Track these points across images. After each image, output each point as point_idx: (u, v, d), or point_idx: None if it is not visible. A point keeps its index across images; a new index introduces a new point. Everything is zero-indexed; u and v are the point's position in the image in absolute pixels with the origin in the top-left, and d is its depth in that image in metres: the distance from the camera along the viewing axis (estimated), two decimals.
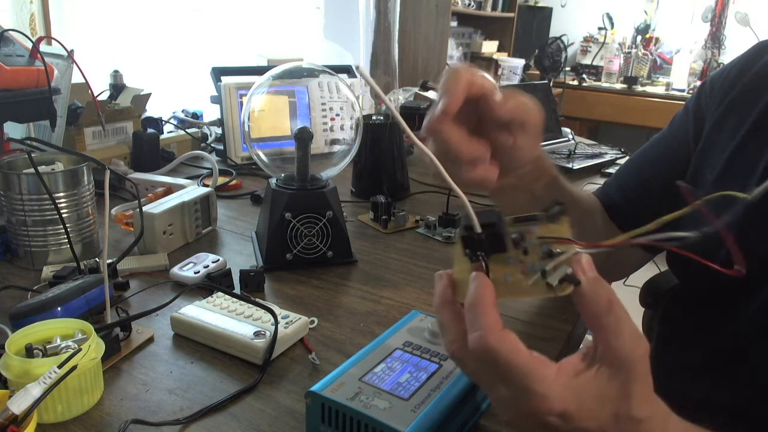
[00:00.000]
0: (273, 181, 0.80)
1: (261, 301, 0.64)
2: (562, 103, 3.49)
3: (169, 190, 0.95)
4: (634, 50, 3.93)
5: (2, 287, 0.69)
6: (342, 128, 1.07)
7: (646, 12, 4.00)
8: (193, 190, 0.89)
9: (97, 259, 0.74)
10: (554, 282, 0.36)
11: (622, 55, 3.86)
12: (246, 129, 0.81)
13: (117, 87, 1.29)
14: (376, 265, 0.82)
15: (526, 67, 3.41)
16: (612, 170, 1.41)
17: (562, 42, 3.26)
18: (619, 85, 3.75)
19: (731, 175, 0.61)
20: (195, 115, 1.51)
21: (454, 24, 3.28)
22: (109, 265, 0.69)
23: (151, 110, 1.37)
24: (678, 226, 0.35)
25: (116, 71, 1.30)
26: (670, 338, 0.71)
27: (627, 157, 1.40)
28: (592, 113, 3.69)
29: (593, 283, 0.35)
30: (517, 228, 0.40)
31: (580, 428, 0.35)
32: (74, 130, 1.11)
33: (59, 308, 0.58)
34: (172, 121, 1.44)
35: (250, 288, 0.72)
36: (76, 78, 1.00)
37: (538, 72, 3.42)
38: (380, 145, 1.08)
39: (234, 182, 1.14)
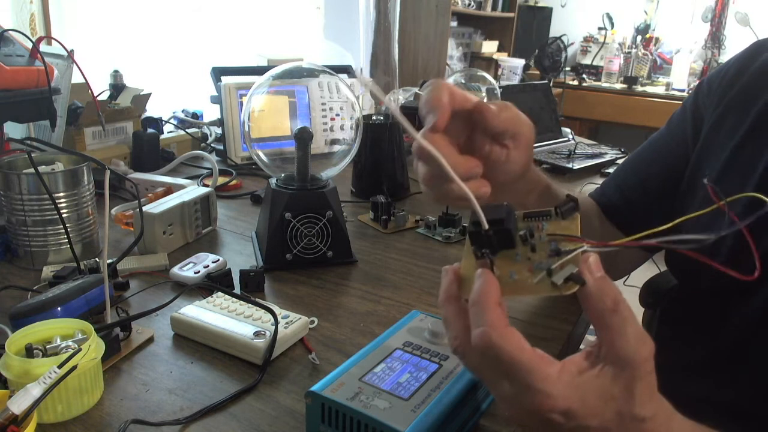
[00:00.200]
0: (273, 181, 0.80)
1: (261, 301, 0.64)
2: (562, 103, 3.49)
3: (169, 190, 0.95)
4: (634, 50, 3.93)
5: (2, 287, 0.69)
6: (342, 128, 1.07)
7: (646, 12, 4.00)
8: (193, 190, 0.89)
9: (97, 259, 0.74)
10: (559, 281, 0.35)
11: (622, 55, 3.86)
12: (246, 129, 0.81)
13: (117, 87, 1.29)
14: (376, 265, 0.82)
15: (526, 67, 3.41)
16: (612, 170, 1.41)
17: (562, 42, 3.26)
18: (619, 85, 3.75)
19: (731, 175, 0.61)
20: (195, 115, 1.51)
21: (454, 24, 3.28)
22: (109, 265, 0.69)
23: (151, 110, 1.37)
24: (681, 228, 0.35)
25: (116, 71, 1.30)
26: (669, 338, 0.71)
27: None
28: (592, 113, 3.69)
29: (600, 282, 0.35)
30: (527, 224, 0.40)
31: (583, 426, 0.35)
32: (74, 130, 1.11)
33: (59, 308, 0.58)
34: (172, 121, 1.44)
35: (250, 288, 0.72)
36: (76, 78, 1.00)
37: (538, 72, 3.42)
38: (380, 145, 1.08)
39: (234, 182, 1.14)
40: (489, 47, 3.64)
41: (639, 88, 3.66)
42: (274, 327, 0.59)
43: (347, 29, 2.51)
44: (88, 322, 0.53)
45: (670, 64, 3.84)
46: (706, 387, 0.61)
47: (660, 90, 3.64)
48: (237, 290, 0.73)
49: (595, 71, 3.94)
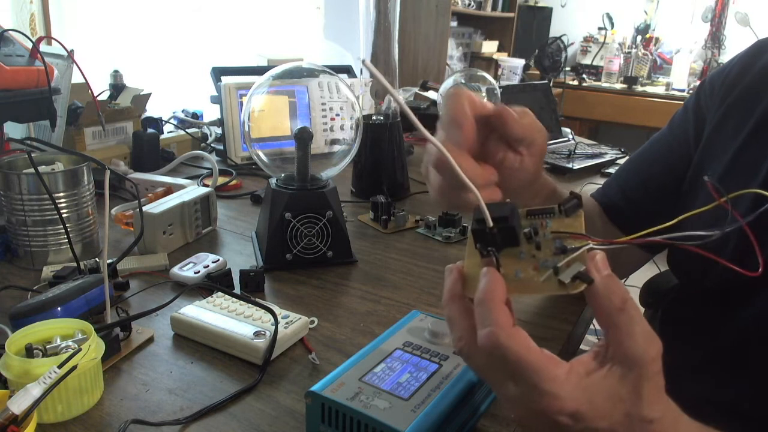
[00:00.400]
0: (273, 181, 0.80)
1: (261, 301, 0.64)
2: (562, 103, 3.49)
3: (169, 190, 0.95)
4: (634, 50, 3.93)
5: (2, 287, 0.69)
6: (342, 128, 1.07)
7: (646, 12, 4.00)
8: (193, 190, 0.89)
9: (97, 259, 0.74)
10: (567, 279, 0.35)
11: (622, 55, 3.86)
12: (246, 129, 0.81)
13: (117, 87, 1.29)
14: (376, 265, 0.82)
15: (526, 67, 3.41)
16: (612, 170, 1.41)
17: (562, 42, 3.26)
18: (619, 85, 3.75)
19: (734, 176, 0.61)
20: (195, 115, 1.51)
21: (454, 24, 3.27)
22: (109, 265, 0.69)
23: (151, 110, 1.37)
24: (683, 227, 0.35)
25: (116, 71, 1.30)
26: (670, 338, 0.71)
27: (627, 157, 1.40)
28: (592, 113, 3.69)
29: (607, 281, 0.35)
30: (531, 221, 0.40)
31: (591, 428, 0.35)
32: (74, 130, 1.11)
33: (59, 308, 0.58)
34: (172, 121, 1.44)
35: (250, 288, 0.72)
36: (76, 78, 1.00)
37: (538, 72, 3.42)
38: (380, 145, 1.08)
39: (234, 182, 1.14)
40: (489, 47, 3.64)
41: (639, 88, 3.66)
42: (274, 327, 0.59)
43: (347, 29, 2.51)
44: (88, 322, 0.53)
45: (670, 64, 3.84)
46: (707, 387, 0.61)
47: (660, 90, 3.64)
48: (237, 290, 0.73)
49: (595, 71, 3.94)
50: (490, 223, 0.38)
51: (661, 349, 0.35)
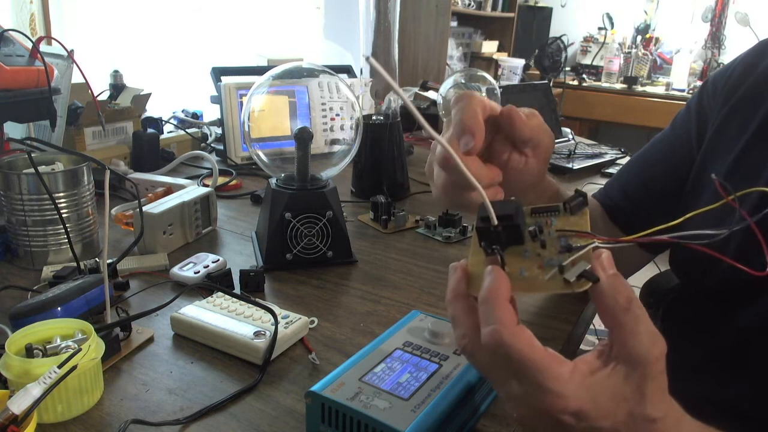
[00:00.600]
0: (273, 181, 0.80)
1: (261, 301, 0.64)
2: (562, 103, 3.49)
3: (169, 190, 0.95)
4: (634, 50, 3.93)
5: (2, 287, 0.69)
6: (342, 128, 1.07)
7: (646, 12, 4.00)
8: (193, 190, 0.89)
9: (97, 259, 0.74)
10: (572, 278, 0.35)
11: (622, 55, 3.86)
12: (246, 129, 0.81)
13: (117, 87, 1.29)
14: (376, 265, 0.82)
15: (526, 67, 3.41)
16: (612, 170, 1.41)
17: (562, 42, 3.26)
18: (619, 85, 3.75)
19: (737, 177, 0.60)
20: (195, 115, 1.51)
21: (454, 24, 3.27)
22: (109, 265, 0.69)
23: (151, 110, 1.37)
24: (687, 226, 0.35)
25: (116, 71, 1.30)
26: (670, 337, 0.71)
27: (627, 157, 1.40)
28: (592, 113, 3.69)
29: (612, 280, 0.35)
30: (536, 220, 0.40)
31: (594, 427, 0.34)
32: (74, 130, 1.11)
33: (59, 308, 0.58)
34: (172, 121, 1.44)
35: (250, 288, 0.72)
36: (76, 78, 1.00)
37: (538, 72, 3.42)
38: (380, 145, 1.08)
39: (234, 182, 1.14)
40: (489, 47, 3.64)
41: (639, 88, 3.66)
42: (274, 327, 0.59)
43: (347, 29, 2.51)
44: (88, 322, 0.53)
45: (670, 64, 3.84)
46: (707, 387, 0.61)
47: (660, 90, 3.64)
48: (237, 290, 0.72)
49: (595, 71, 3.94)
50: (495, 221, 0.37)
51: (665, 348, 0.35)
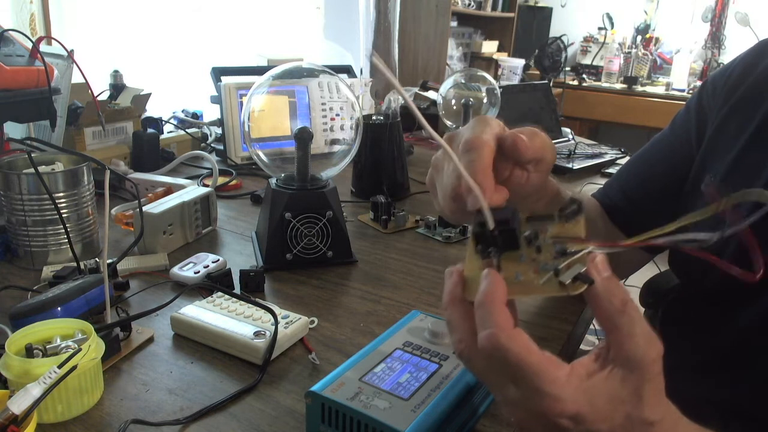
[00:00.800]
0: (273, 181, 0.80)
1: (261, 301, 0.64)
2: (562, 103, 3.49)
3: (169, 190, 0.95)
4: (634, 50, 3.93)
5: (2, 287, 0.69)
6: (342, 128, 1.07)
7: (646, 12, 4.00)
8: (193, 190, 0.89)
9: (97, 259, 0.74)
10: (567, 280, 0.35)
11: (622, 55, 3.86)
12: (246, 129, 0.81)
13: (117, 87, 1.29)
14: (376, 265, 0.82)
15: (526, 67, 3.41)
16: (612, 170, 1.41)
17: (562, 42, 3.26)
18: (619, 85, 3.75)
19: (736, 177, 0.60)
20: (195, 115, 1.51)
21: (454, 24, 3.27)
22: (109, 265, 0.69)
23: (151, 110, 1.37)
24: (686, 227, 0.35)
25: (116, 71, 1.30)
26: (670, 338, 0.71)
27: (627, 157, 1.40)
28: (592, 113, 3.69)
29: (608, 282, 0.35)
30: (531, 226, 0.40)
31: (592, 431, 0.34)
32: (74, 130, 1.11)
33: (59, 308, 0.58)
34: (172, 121, 1.44)
35: (250, 288, 0.72)
36: (76, 78, 1.00)
37: (538, 72, 3.42)
38: (380, 145, 1.08)
39: (234, 182, 1.14)
40: (489, 47, 3.64)
41: (639, 88, 3.66)
42: (274, 327, 0.59)
43: (347, 29, 2.51)
44: (88, 322, 0.53)
45: (670, 64, 3.84)
46: (707, 387, 0.61)
47: (660, 90, 3.64)
48: (237, 290, 0.72)
49: (595, 71, 3.94)
50: (492, 225, 0.38)
51: (662, 350, 0.35)
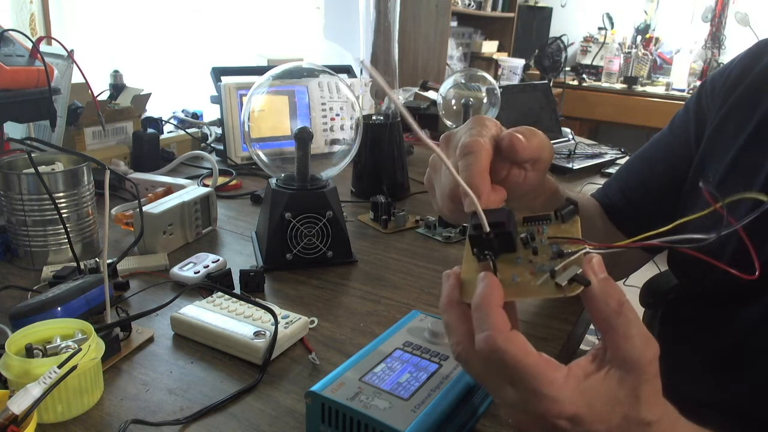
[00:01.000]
0: (273, 181, 0.80)
1: (261, 301, 0.64)
2: (562, 103, 3.49)
3: (169, 190, 0.95)
4: (634, 50, 3.93)
5: (2, 287, 0.69)
6: (342, 128, 1.07)
7: (646, 12, 4.00)
8: (193, 190, 0.89)
9: (97, 259, 0.74)
10: (563, 282, 0.35)
11: (622, 55, 3.86)
12: (246, 129, 0.81)
13: (117, 87, 1.29)
14: (376, 265, 0.82)
15: (526, 67, 3.42)
16: (612, 170, 1.41)
17: (562, 42, 3.26)
18: (619, 85, 3.75)
19: (734, 177, 0.60)
20: (195, 115, 1.51)
21: (454, 24, 3.28)
22: (109, 265, 0.69)
23: (151, 110, 1.37)
24: (683, 229, 0.35)
25: (116, 71, 1.30)
26: (670, 338, 0.71)
27: (627, 157, 1.40)
28: (592, 113, 3.69)
29: (604, 284, 0.35)
30: (527, 228, 0.40)
31: (590, 431, 0.35)
32: (74, 130, 1.11)
33: (59, 308, 0.57)
34: (172, 121, 1.44)
35: (250, 288, 0.72)
36: (76, 78, 1.00)
37: (538, 72, 3.42)
38: (380, 145, 1.08)
39: (234, 182, 1.14)
40: (489, 47, 3.64)
41: (639, 88, 3.66)
42: (274, 327, 0.59)
43: (347, 29, 2.51)
44: (88, 322, 0.53)
45: (670, 64, 3.85)
46: (706, 387, 0.61)
47: (660, 90, 3.64)
48: (237, 290, 0.72)
49: (595, 71, 3.95)
50: (487, 228, 0.38)
51: (658, 351, 0.35)
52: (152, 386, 0.54)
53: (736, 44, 3.67)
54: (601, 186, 0.81)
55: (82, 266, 0.70)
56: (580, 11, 4.18)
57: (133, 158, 1.19)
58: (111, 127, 1.19)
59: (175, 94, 1.70)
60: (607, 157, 1.48)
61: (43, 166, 0.76)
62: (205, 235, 0.89)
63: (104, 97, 1.27)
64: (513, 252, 0.39)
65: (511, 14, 3.73)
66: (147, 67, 1.65)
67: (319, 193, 0.78)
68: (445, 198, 0.47)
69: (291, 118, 1.02)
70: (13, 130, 1.01)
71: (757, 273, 0.33)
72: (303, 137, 0.76)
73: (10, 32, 0.86)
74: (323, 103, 1.17)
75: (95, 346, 0.51)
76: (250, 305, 0.63)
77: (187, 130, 1.39)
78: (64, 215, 0.74)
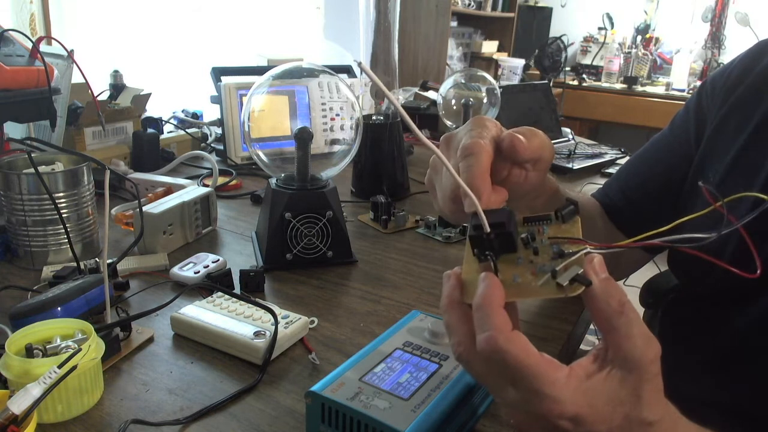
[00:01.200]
0: (273, 181, 0.80)
1: (261, 301, 0.64)
2: (562, 103, 3.49)
3: (169, 190, 0.95)
4: (634, 50, 3.93)
5: (2, 287, 0.69)
6: (342, 128, 1.07)
7: (646, 12, 4.00)
8: (193, 190, 0.89)
9: (97, 259, 0.74)
10: (564, 282, 0.35)
11: (622, 55, 3.86)
12: (246, 129, 0.81)
13: (117, 87, 1.29)
14: (376, 265, 0.82)
15: (526, 67, 3.42)
16: (612, 170, 1.41)
17: (562, 42, 3.26)
18: (619, 85, 3.75)
19: (734, 177, 0.60)
20: (195, 115, 1.51)
21: (454, 24, 3.28)
22: (109, 265, 0.69)
23: (151, 110, 1.37)
24: (684, 229, 0.35)
25: (116, 71, 1.30)
26: (670, 338, 0.71)
27: (627, 157, 1.40)
28: (592, 113, 3.69)
29: (605, 284, 0.35)
30: (528, 228, 0.40)
31: None
32: (74, 130, 1.11)
33: (59, 308, 0.57)
34: (172, 121, 1.44)
35: (250, 288, 0.72)
36: (76, 78, 1.00)
37: (538, 72, 3.42)
38: (380, 145, 1.08)
39: (234, 182, 1.14)
40: (489, 47, 3.64)
41: (639, 88, 3.66)
42: (274, 327, 0.59)
43: (347, 29, 2.51)
44: (88, 322, 0.53)
45: (670, 64, 3.85)
46: (707, 387, 0.61)
47: (660, 90, 3.64)
48: (237, 290, 0.72)
49: (595, 71, 3.95)
50: (488, 229, 0.38)
51: (660, 351, 0.35)
52: (152, 386, 0.54)
53: (736, 44, 3.67)
54: (601, 186, 0.81)
55: (82, 266, 0.70)
56: (580, 11, 4.18)
57: (133, 158, 1.19)
58: (111, 127, 1.19)
59: (175, 94, 1.70)
60: (607, 157, 1.48)
61: (43, 166, 0.76)
62: (205, 235, 0.89)
63: (104, 97, 1.27)
64: (514, 252, 0.39)
65: (511, 14, 3.73)
66: (147, 67, 1.65)
67: (319, 193, 0.78)
68: (446, 199, 0.47)
69: (291, 118, 1.02)
70: (13, 130, 1.01)
71: (758, 271, 0.33)
72: (303, 137, 0.76)
73: (10, 32, 0.86)
74: (323, 103, 1.17)
75: (95, 346, 0.51)
76: (250, 305, 0.63)
77: (187, 130, 1.39)
78: (64, 215, 0.74)
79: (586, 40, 4.10)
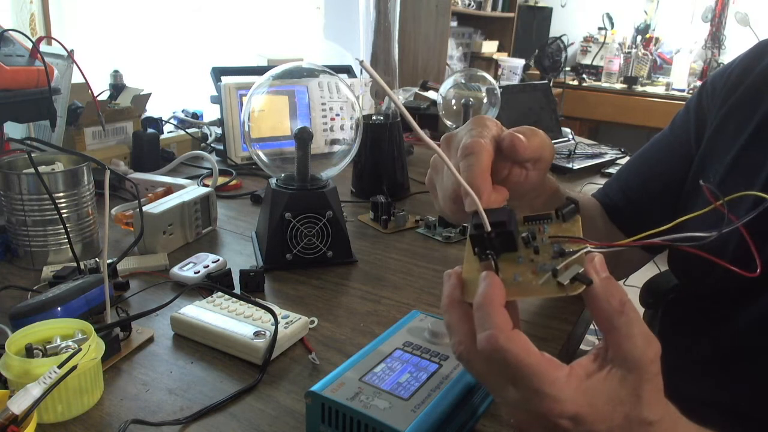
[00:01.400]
0: (273, 181, 0.80)
1: (261, 301, 0.64)
2: (562, 103, 3.49)
3: (169, 190, 0.95)
4: (634, 50, 3.93)
5: (2, 287, 0.69)
6: (342, 128, 1.07)
7: (646, 12, 4.00)
8: (193, 190, 0.89)
9: (97, 259, 0.74)
10: (565, 281, 0.35)
11: (622, 55, 3.86)
12: (246, 129, 0.81)
13: (117, 87, 1.29)
14: (376, 265, 0.82)
15: (526, 67, 3.42)
16: (612, 170, 1.41)
17: (562, 42, 3.26)
18: (619, 85, 3.75)
19: (736, 176, 0.60)
20: (195, 115, 1.51)
21: (454, 24, 3.28)
22: (109, 265, 0.69)
23: (151, 110, 1.37)
24: (685, 227, 0.35)
25: (116, 71, 1.30)
26: (670, 338, 0.71)
27: (627, 157, 1.40)
28: (592, 113, 3.69)
29: (606, 283, 0.35)
30: (528, 227, 0.40)
31: (591, 431, 0.35)
32: (74, 130, 1.11)
33: (59, 308, 0.57)
34: (172, 121, 1.44)
35: (250, 288, 0.72)
36: (76, 78, 1.00)
37: (538, 72, 3.42)
38: (380, 145, 1.08)
39: (234, 182, 1.14)
40: (489, 47, 3.64)
41: (639, 88, 3.66)
42: (274, 327, 0.59)
43: (347, 29, 2.51)
44: (88, 322, 0.53)
45: (670, 64, 3.85)
46: (707, 387, 0.61)
47: (660, 90, 3.64)
48: (237, 290, 0.72)
49: (595, 71, 3.95)
50: (489, 228, 0.38)
51: (660, 350, 0.35)
52: (152, 386, 0.54)
53: (736, 44, 3.67)
54: (601, 186, 0.81)
55: (82, 266, 0.70)
56: (580, 11, 4.18)
57: (133, 158, 1.19)
58: (111, 127, 1.19)
59: (175, 94, 1.70)
60: (607, 157, 1.48)
61: (43, 166, 0.76)
62: (205, 235, 0.89)
63: (104, 97, 1.27)
64: (514, 251, 0.38)
65: (511, 14, 3.73)
66: (147, 67, 1.65)
67: (319, 193, 0.78)
68: (446, 198, 0.47)
69: (291, 118, 1.02)
70: (13, 130, 1.01)
71: (759, 270, 0.33)
72: (303, 137, 0.76)
73: (10, 32, 0.86)
74: (323, 103, 1.17)
75: (95, 346, 0.51)
76: (250, 305, 0.63)
77: (187, 130, 1.39)
78: (64, 215, 0.74)
79: (586, 40, 4.10)
